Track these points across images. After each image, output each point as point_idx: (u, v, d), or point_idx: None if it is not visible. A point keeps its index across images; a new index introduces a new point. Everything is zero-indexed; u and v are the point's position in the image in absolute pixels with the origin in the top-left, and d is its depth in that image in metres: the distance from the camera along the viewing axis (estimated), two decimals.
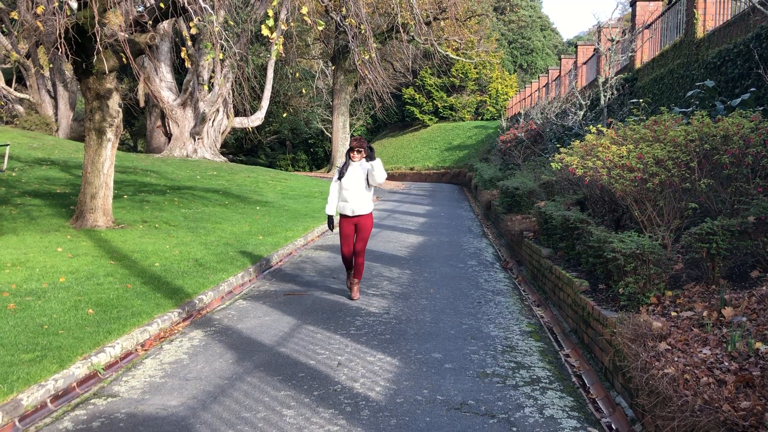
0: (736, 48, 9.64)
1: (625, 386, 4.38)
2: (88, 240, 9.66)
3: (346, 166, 7.57)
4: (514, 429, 4.10)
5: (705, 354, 3.77)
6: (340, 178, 7.54)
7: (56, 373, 4.60)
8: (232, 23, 18.64)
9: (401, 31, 19.61)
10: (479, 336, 6.20)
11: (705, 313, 4.48)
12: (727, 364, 3.56)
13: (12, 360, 4.76)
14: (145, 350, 5.61)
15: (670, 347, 3.96)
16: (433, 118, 46.75)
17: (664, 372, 3.57)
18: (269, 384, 4.79)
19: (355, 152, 7.51)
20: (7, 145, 17.33)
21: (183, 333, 6.15)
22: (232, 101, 29.89)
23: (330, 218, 7.78)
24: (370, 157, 7.40)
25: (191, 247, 9.79)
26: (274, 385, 4.76)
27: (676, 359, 3.72)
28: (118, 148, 32.27)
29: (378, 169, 7.32)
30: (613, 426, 4.22)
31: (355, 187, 7.46)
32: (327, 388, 4.74)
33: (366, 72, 14.15)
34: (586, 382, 5.05)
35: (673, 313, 4.68)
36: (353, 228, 7.60)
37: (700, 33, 11.71)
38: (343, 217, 7.64)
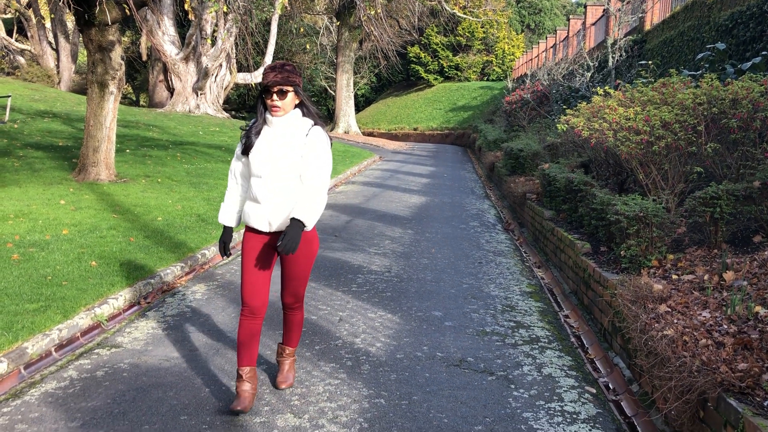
0: (749, 10, 9.47)
1: (623, 347, 4.43)
2: (91, 193, 9.66)
3: (256, 127, 3.69)
4: (512, 386, 4.16)
5: (704, 317, 3.79)
6: (245, 153, 3.68)
7: (60, 323, 4.65)
8: None
9: None
10: (479, 295, 6.24)
11: (706, 277, 4.50)
12: (726, 326, 3.59)
13: (16, 309, 4.80)
14: (148, 303, 5.66)
15: (669, 309, 3.98)
16: (438, 77, 46.25)
17: (663, 333, 3.59)
18: (271, 338, 4.84)
19: (275, 95, 3.55)
20: (9, 96, 17.21)
21: (186, 287, 6.19)
22: (235, 56, 29.57)
23: (225, 233, 3.90)
24: (308, 114, 3.70)
25: (194, 202, 9.80)
26: (275, 338, 4.81)
27: (675, 321, 3.74)
28: (121, 102, 32.04)
29: (317, 158, 3.59)
30: (610, 385, 4.27)
31: (276, 174, 3.60)
32: (328, 343, 4.79)
33: (371, 28, 13.98)
34: (584, 342, 5.10)
35: (674, 276, 4.70)
36: (269, 253, 3.72)
37: None
38: (251, 231, 3.75)
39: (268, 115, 3.60)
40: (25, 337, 4.33)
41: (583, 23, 24.16)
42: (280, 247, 3.37)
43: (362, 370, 4.31)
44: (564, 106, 13.88)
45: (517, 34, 50.79)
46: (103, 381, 4.02)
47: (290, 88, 3.53)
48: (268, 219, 3.63)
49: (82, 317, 4.84)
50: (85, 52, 11.14)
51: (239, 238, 7.58)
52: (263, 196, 3.60)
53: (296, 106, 3.65)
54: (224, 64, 28.99)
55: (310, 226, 3.50)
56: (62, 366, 4.26)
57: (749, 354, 3.21)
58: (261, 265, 3.68)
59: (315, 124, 3.64)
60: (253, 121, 3.73)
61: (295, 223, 3.45)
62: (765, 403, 2.84)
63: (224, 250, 3.89)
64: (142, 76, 41.69)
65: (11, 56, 29.87)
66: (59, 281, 5.54)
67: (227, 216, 3.85)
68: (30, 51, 29.71)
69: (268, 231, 3.66)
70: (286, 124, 3.60)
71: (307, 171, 3.56)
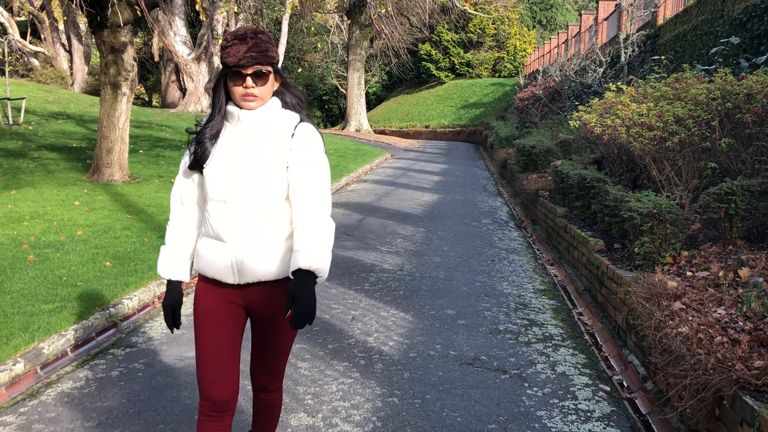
0: (763, 3, 9.37)
1: (637, 345, 4.40)
2: (105, 194, 9.73)
3: (212, 127, 2.50)
4: (526, 384, 4.15)
5: (720, 314, 3.76)
6: (196, 167, 2.50)
7: (76, 323, 4.69)
8: None
9: None
10: (492, 293, 6.22)
11: (721, 274, 4.46)
12: (741, 323, 3.56)
13: (33, 310, 4.85)
14: (163, 303, 5.69)
15: (684, 306, 3.95)
16: (450, 75, 46.13)
17: (678, 331, 3.57)
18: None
19: (249, 79, 2.39)
20: (23, 98, 17.36)
21: None
22: None
23: (171, 293, 2.60)
24: (291, 105, 2.57)
25: None
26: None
27: (690, 318, 3.72)
28: (133, 103, 32.31)
29: (313, 169, 2.47)
30: (624, 383, 4.25)
31: (249, 196, 2.43)
32: (341, 342, 4.80)
33: (382, 26, 13.96)
34: (598, 340, 5.07)
35: (689, 273, 4.66)
36: (239, 316, 2.56)
37: None
38: (208, 284, 2.55)
39: (231, 108, 2.43)
40: (41, 337, 4.37)
41: (595, 18, 24.01)
42: (292, 321, 2.24)
43: (375, 369, 4.32)
44: (576, 103, 13.80)
45: (529, 30, 50.56)
46: (118, 381, 4.06)
47: (270, 68, 2.39)
48: (237, 265, 2.42)
49: (97, 317, 4.88)
50: (98, 54, 11.23)
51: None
52: (229, 231, 2.40)
53: (273, 93, 2.51)
54: None
55: (325, 275, 2.35)
56: (78, 366, 4.30)
57: (765, 351, 3.19)
58: (226, 336, 2.50)
59: (301, 120, 2.51)
60: (205, 119, 2.52)
61: (305, 278, 2.29)
62: None
63: (173, 319, 2.56)
64: (154, 76, 41.92)
65: (25, 58, 30.13)
66: (74, 282, 5.58)
67: (173, 265, 2.54)
68: (44, 53, 29.96)
69: (235, 283, 2.45)
70: (262, 121, 2.44)
71: (301, 189, 2.41)
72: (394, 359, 4.50)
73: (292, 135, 2.47)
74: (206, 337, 2.50)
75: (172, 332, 2.65)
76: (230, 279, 2.46)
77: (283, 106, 2.52)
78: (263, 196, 2.41)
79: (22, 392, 3.90)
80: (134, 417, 3.58)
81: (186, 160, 2.53)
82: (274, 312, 2.51)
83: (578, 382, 4.24)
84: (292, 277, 2.31)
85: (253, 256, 2.42)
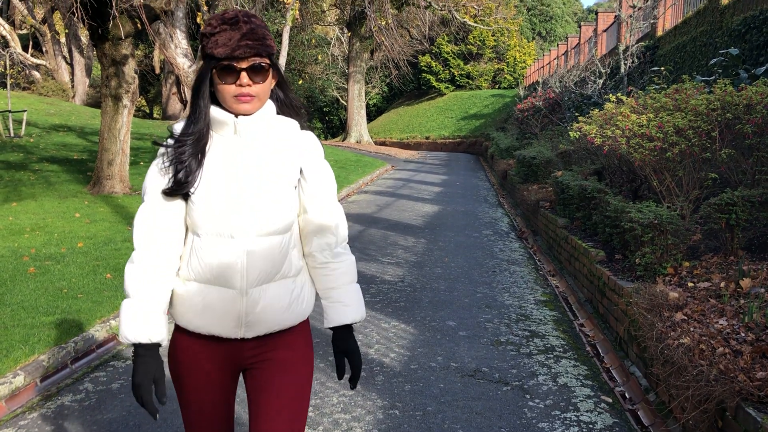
0: (762, 15, 9.41)
1: (639, 356, 4.38)
2: (106, 206, 9.74)
3: (197, 140, 1.92)
4: (528, 396, 4.13)
5: (721, 324, 3.75)
6: (179, 191, 1.90)
7: (76, 335, 4.68)
8: None
9: None
10: (494, 305, 6.21)
11: (722, 284, 4.45)
12: (743, 334, 3.55)
13: (33, 322, 4.84)
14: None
15: (686, 317, 3.94)
16: (450, 86, 46.28)
17: (680, 342, 3.56)
18: None
19: (244, 75, 1.85)
20: (25, 111, 17.41)
21: None
22: None
23: (149, 361, 1.90)
24: (288, 108, 2.06)
25: None
26: None
27: (692, 329, 3.71)
28: (135, 115, 32.39)
29: (330, 189, 2.07)
30: (626, 395, 4.23)
31: (265, 227, 1.92)
32: None
33: (382, 38, 14.03)
34: (600, 351, 5.05)
35: (690, 284, 4.66)
36: (234, 380, 2.06)
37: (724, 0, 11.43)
38: (195, 339, 1.99)
39: (219, 114, 1.91)
40: (41, 350, 4.36)
41: (595, 30, 24.11)
42: (353, 381, 2.08)
43: (376, 381, 4.30)
44: (576, 114, 13.82)
45: (528, 41, 50.78)
46: (119, 393, 4.04)
47: (268, 62, 1.90)
48: (247, 316, 1.92)
49: (97, 329, 4.87)
50: (99, 66, 11.27)
51: None
52: (237, 273, 1.89)
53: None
54: None
55: (361, 319, 2.10)
56: (78, 378, 4.29)
57: (767, 362, 3.17)
58: (220, 400, 2.03)
59: (301, 127, 2.07)
60: (179, 127, 1.96)
61: (351, 331, 2.08)
62: None
63: (158, 394, 1.91)
64: (155, 88, 42.07)
65: (27, 71, 30.26)
66: (75, 294, 5.58)
67: (148, 324, 1.89)
68: (45, 66, 30.09)
69: (240, 337, 1.95)
70: (263, 129, 1.96)
71: (320, 215, 2.02)
72: (395, 371, 4.48)
73: (298, 146, 2.01)
74: (197, 407, 2.00)
75: (156, 418, 1.92)
76: (234, 333, 1.94)
77: (278, 111, 2.03)
78: (279, 225, 1.93)
79: (21, 405, 3.89)
80: (134, 430, 3.56)
81: (156, 182, 1.91)
82: (288, 367, 1.99)
83: (580, 393, 4.22)
84: (330, 329, 2.06)
85: (269, 302, 1.93)
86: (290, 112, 2.06)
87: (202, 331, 1.96)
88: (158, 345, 1.93)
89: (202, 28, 1.97)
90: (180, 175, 1.88)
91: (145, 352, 1.89)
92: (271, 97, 2.01)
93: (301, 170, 2.01)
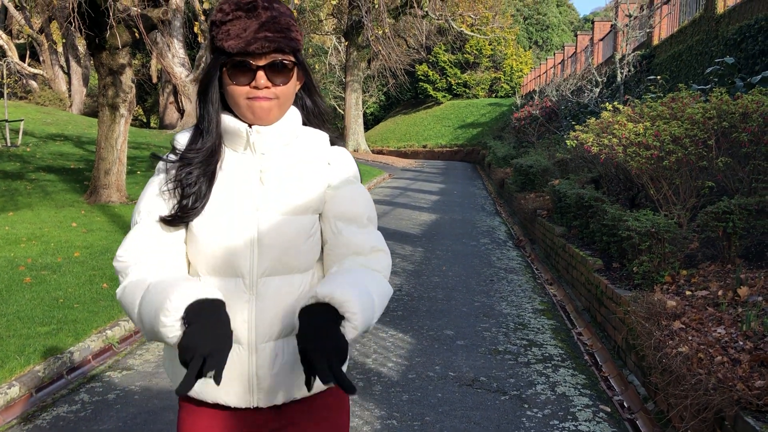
0: (757, 24, 9.46)
1: (637, 365, 4.37)
2: (102, 215, 9.72)
3: (206, 157, 1.55)
4: (526, 406, 4.11)
5: (719, 333, 3.74)
6: (182, 220, 1.52)
7: (72, 346, 4.65)
8: None
9: (415, 6, 19.37)
10: (491, 314, 6.20)
11: (720, 293, 4.45)
12: (741, 343, 3.54)
13: (29, 333, 4.81)
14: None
15: (684, 326, 3.94)
16: (447, 95, 46.39)
17: (678, 351, 3.55)
18: None
19: (262, 75, 1.48)
20: (22, 120, 17.40)
21: None
22: None
23: (209, 311, 1.35)
24: (315, 117, 1.68)
25: None
26: None
27: (690, 338, 3.70)
28: (132, 124, 32.42)
29: (369, 215, 1.65)
30: (625, 404, 4.21)
31: (276, 265, 1.53)
32: None
33: (379, 48, 14.06)
34: (598, 360, 5.04)
35: (688, 292, 4.65)
36: None
37: (720, 8, 11.49)
38: (198, 413, 1.57)
39: (232, 122, 1.56)
40: (37, 360, 4.34)
41: (591, 39, 24.22)
42: (320, 369, 1.33)
43: (374, 391, 4.28)
44: (573, 122, 13.85)
45: (525, 50, 50.96)
46: (115, 404, 4.02)
47: (293, 59, 1.54)
48: (261, 379, 1.54)
49: (93, 340, 4.84)
50: (97, 76, 11.28)
51: None
52: (247, 325, 1.53)
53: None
54: None
55: (360, 322, 1.41)
56: (74, 389, 4.26)
57: (766, 371, 3.17)
58: None
59: (332, 142, 1.71)
60: (185, 138, 1.60)
61: (320, 311, 1.39)
62: None
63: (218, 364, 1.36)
64: (152, 98, 42.10)
65: (24, 80, 30.27)
66: (71, 304, 5.55)
67: (191, 286, 1.41)
68: (42, 75, 30.10)
69: (253, 406, 1.56)
70: (281, 142, 1.59)
71: (354, 247, 1.58)
72: (392, 381, 4.46)
73: (327, 166, 1.64)
74: None
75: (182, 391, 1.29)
76: (245, 401, 1.54)
77: (303, 121, 1.65)
78: (298, 263, 1.55)
79: (17, 416, 3.86)
80: None
81: (154, 206, 1.55)
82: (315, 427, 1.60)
83: (578, 403, 4.20)
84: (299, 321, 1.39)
85: (288, 360, 1.53)
86: (318, 123, 1.68)
87: (207, 399, 1.55)
88: (219, 301, 1.39)
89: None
90: (187, 201, 1.51)
91: (202, 308, 1.34)
92: (295, 104, 1.64)
93: (328, 197, 1.61)
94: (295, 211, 1.55)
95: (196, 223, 1.52)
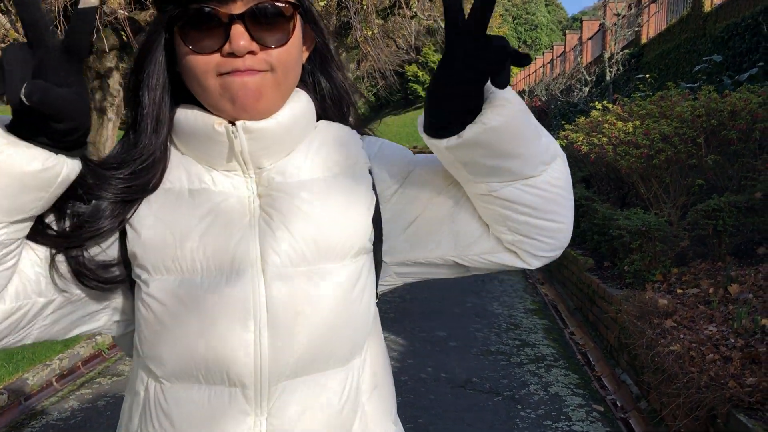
0: (744, 22, 9.51)
1: (630, 363, 4.37)
2: None
3: (145, 167, 0.89)
4: (519, 406, 4.10)
5: (711, 331, 3.75)
6: (110, 283, 0.89)
7: (61, 352, 4.61)
8: None
9: (404, 7, 19.40)
10: (483, 314, 6.19)
11: (711, 290, 4.46)
12: (733, 341, 3.54)
13: None
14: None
15: (675, 324, 3.94)
16: None
17: (670, 349, 3.55)
18: None
19: (239, 29, 0.83)
20: None
21: None
22: None
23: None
24: (332, 103, 1.00)
25: None
26: None
27: (681, 336, 3.70)
28: (119, 128, 32.33)
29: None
30: (618, 403, 4.21)
31: (280, 368, 0.87)
32: None
33: (368, 49, 14.02)
34: (590, 359, 5.04)
35: (679, 291, 4.66)
36: None
37: (707, 7, 11.55)
38: None
39: (196, 118, 0.91)
40: (25, 367, 4.29)
41: (580, 38, 24.29)
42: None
43: None
44: (563, 121, 13.89)
45: None
46: (105, 411, 3.98)
47: (291, 4, 0.89)
48: None
49: (83, 346, 4.80)
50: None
51: None
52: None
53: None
54: None
55: (515, 107, 0.84)
56: (63, 396, 4.22)
57: (757, 368, 3.17)
58: None
59: (361, 132, 1.06)
60: (115, 150, 0.97)
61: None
62: None
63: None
64: None
65: None
66: None
67: None
68: None
69: None
70: (292, 143, 0.94)
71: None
72: None
73: (369, 171, 1.01)
74: None
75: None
76: None
77: (319, 112, 1.01)
78: (347, 349, 0.95)
79: (5, 425, 3.82)
80: None
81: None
82: None
83: (571, 402, 4.20)
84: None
85: None
86: (338, 114, 1.03)
87: None
88: None
89: None
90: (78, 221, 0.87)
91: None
92: (302, 84, 1.00)
93: (382, 220, 0.99)
94: (327, 258, 0.91)
95: (152, 287, 0.89)
